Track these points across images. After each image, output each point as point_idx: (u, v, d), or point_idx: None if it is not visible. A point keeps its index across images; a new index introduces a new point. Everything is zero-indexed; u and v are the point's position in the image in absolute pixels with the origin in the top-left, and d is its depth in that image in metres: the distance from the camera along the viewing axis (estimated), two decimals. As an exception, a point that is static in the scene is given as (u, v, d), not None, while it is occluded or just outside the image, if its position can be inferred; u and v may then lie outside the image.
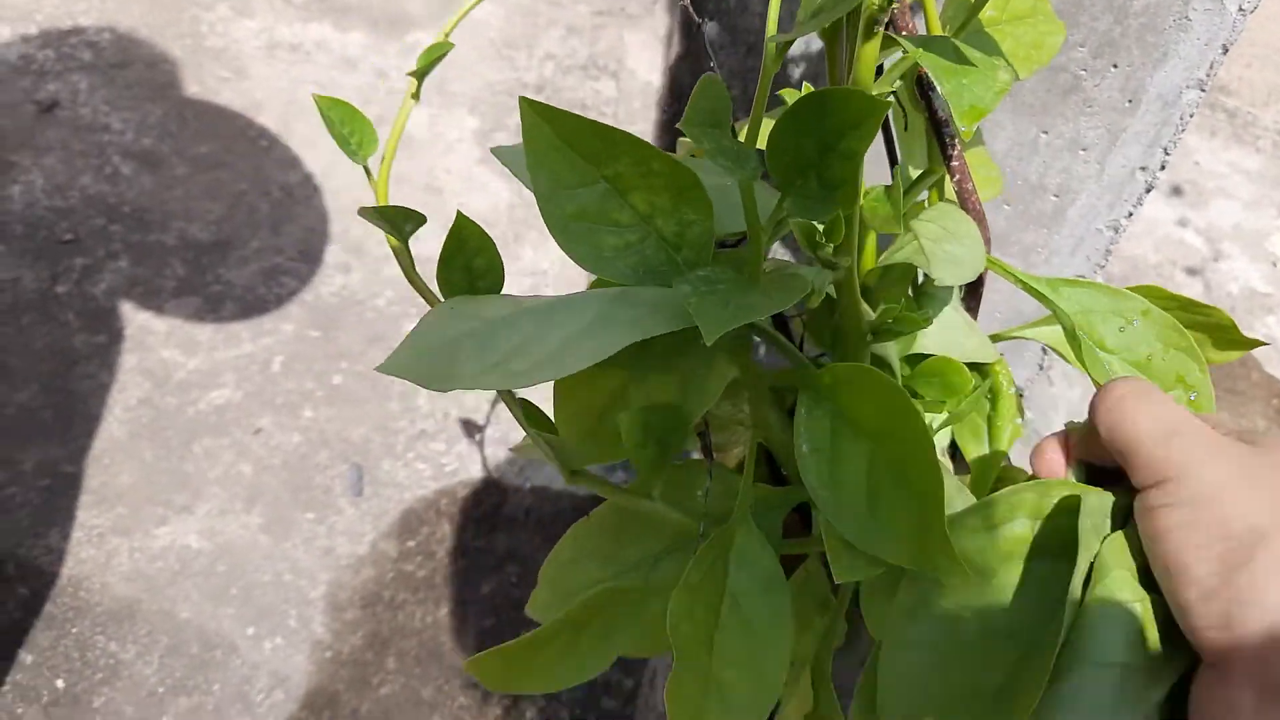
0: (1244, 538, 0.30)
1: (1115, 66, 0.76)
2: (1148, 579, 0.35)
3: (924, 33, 0.55)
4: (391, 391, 1.42)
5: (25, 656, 1.15)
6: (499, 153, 0.57)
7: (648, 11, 2.09)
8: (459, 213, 0.50)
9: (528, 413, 0.51)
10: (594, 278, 0.45)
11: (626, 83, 1.94)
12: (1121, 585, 0.35)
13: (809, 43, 0.83)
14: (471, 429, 1.39)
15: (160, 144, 1.68)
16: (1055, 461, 0.41)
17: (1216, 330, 0.62)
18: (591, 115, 1.84)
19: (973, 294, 0.64)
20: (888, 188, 0.56)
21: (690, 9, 0.46)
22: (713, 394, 0.49)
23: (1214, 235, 1.94)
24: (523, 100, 0.40)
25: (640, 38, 2.03)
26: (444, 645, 1.20)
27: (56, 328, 1.43)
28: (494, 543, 1.28)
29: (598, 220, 0.41)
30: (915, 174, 0.60)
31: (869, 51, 0.39)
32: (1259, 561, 0.29)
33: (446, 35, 0.63)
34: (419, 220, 0.51)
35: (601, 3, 2.08)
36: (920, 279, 0.62)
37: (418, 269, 0.53)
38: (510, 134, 1.79)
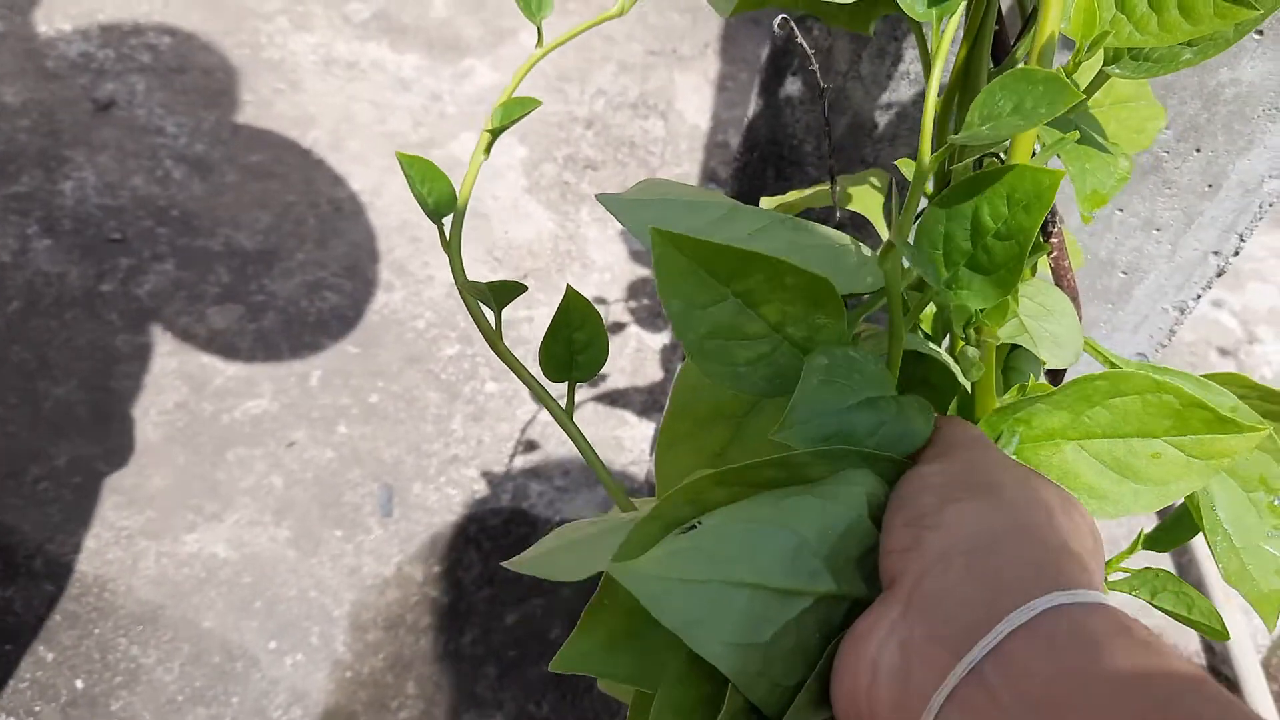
0: (945, 496, 0.35)
1: (1199, 150, 0.76)
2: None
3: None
4: (426, 414, 1.42)
5: (46, 654, 1.14)
6: (606, 200, 0.57)
7: (700, 54, 2.11)
8: (569, 287, 0.50)
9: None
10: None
11: (675, 123, 1.95)
12: None
13: (899, 113, 0.83)
14: (504, 458, 1.39)
15: (212, 150, 1.70)
16: None
17: (1301, 422, 0.62)
18: (639, 154, 1.86)
19: (1057, 369, 0.64)
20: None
21: (817, 75, 0.47)
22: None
23: (1249, 318, 1.94)
24: (653, 231, 0.40)
25: (691, 80, 2.05)
26: (465, 674, 1.19)
27: (99, 325, 1.43)
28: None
29: (730, 336, 0.40)
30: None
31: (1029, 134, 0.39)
32: (947, 511, 0.34)
33: (513, 91, 0.63)
34: (518, 290, 0.51)
35: (654, 42, 2.10)
36: (1009, 351, 0.62)
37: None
38: (558, 165, 1.80)
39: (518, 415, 1.43)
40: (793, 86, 0.86)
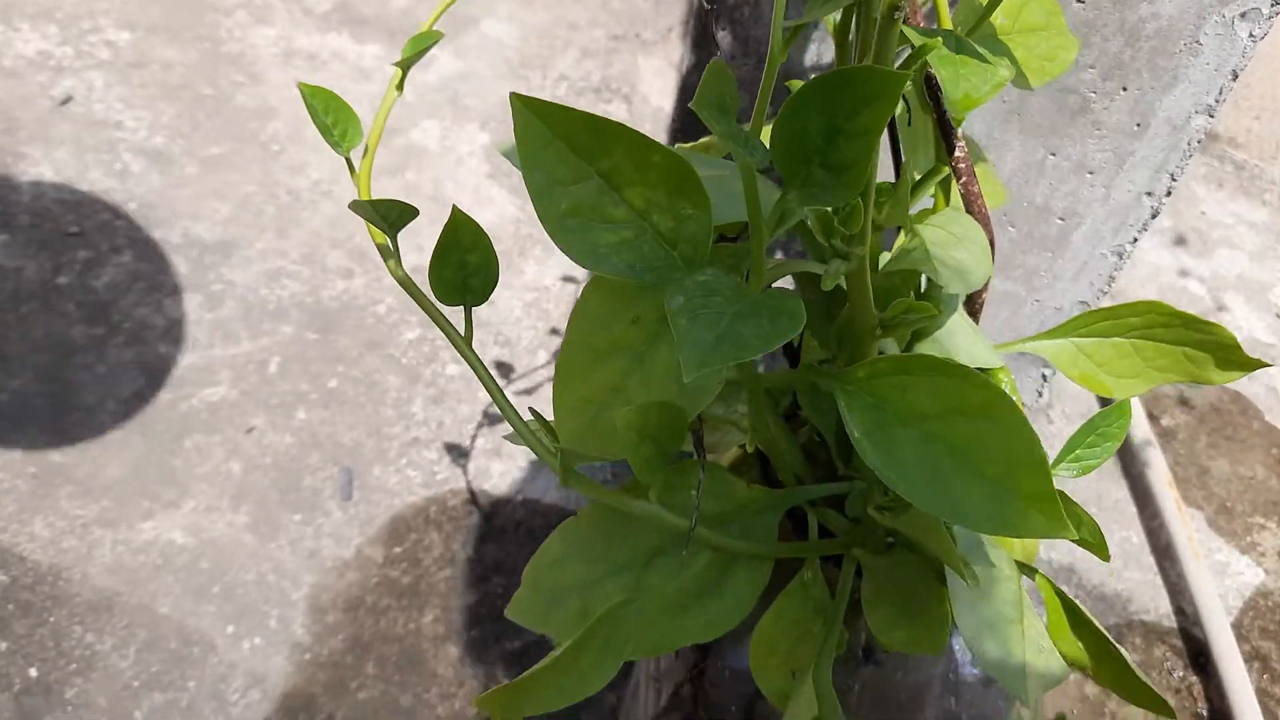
0: None
1: (1125, 89, 0.76)
2: None
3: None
4: (386, 398, 1.41)
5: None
6: (505, 149, 0.56)
7: (663, 38, 2.11)
8: (455, 208, 0.50)
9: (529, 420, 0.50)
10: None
11: (639, 107, 1.94)
12: None
13: (820, 55, 0.83)
14: (465, 439, 1.38)
15: (171, 143, 1.69)
16: None
17: (1219, 349, 0.62)
18: (602, 136, 1.85)
19: (973, 300, 0.63)
20: (893, 184, 0.56)
21: (711, 13, 0.46)
22: (710, 392, 0.48)
23: (1217, 285, 1.94)
24: (513, 96, 0.39)
25: (654, 64, 2.04)
26: (425, 653, 1.18)
27: (56, 318, 1.42)
28: (482, 553, 1.27)
29: (592, 216, 0.40)
30: (919, 176, 0.60)
31: (890, 37, 0.39)
32: None
33: (432, 24, 0.63)
34: (410, 213, 0.50)
35: (617, 27, 2.09)
36: (924, 286, 0.61)
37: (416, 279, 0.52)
38: (520, 151, 1.80)
39: (479, 397, 1.43)
40: (723, 40, 0.86)
